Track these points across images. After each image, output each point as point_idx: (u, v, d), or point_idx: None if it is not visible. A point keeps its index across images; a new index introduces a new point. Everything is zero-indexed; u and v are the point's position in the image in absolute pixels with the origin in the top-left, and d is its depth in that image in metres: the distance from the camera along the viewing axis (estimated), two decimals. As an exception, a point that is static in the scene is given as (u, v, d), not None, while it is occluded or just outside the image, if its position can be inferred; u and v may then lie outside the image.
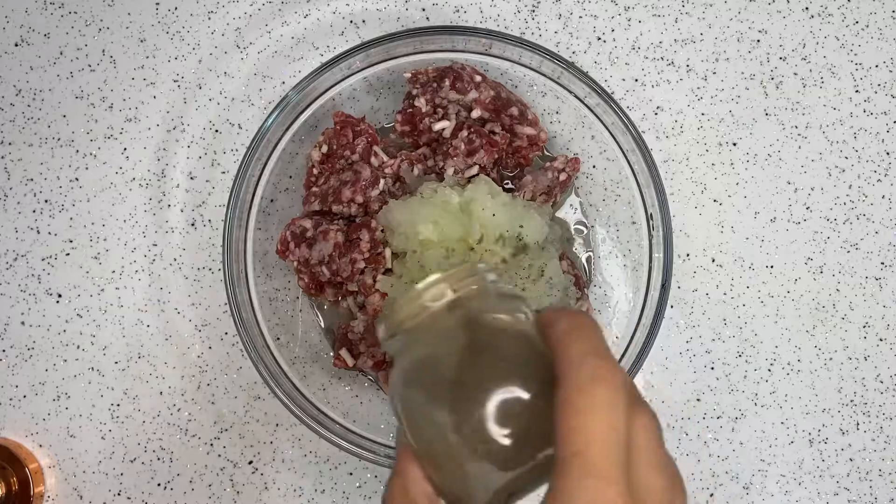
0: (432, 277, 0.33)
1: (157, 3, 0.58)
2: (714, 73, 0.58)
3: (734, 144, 0.58)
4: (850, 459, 0.57)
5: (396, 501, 0.31)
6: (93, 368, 0.56)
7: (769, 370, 0.57)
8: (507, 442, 0.29)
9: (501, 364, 0.31)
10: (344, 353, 0.53)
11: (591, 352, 0.29)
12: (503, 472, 0.30)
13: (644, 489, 0.28)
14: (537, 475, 0.30)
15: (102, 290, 0.56)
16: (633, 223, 0.53)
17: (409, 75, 0.54)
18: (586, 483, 0.27)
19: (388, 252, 0.52)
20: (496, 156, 0.53)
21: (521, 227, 0.51)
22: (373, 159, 0.53)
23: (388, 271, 0.52)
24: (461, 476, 0.30)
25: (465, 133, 0.52)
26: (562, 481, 0.27)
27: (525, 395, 0.30)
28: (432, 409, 0.31)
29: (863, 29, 0.59)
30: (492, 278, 0.34)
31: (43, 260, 0.56)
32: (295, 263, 0.54)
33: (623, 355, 0.51)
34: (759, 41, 0.58)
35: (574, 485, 0.27)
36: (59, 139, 0.57)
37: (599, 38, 0.58)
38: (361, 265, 0.51)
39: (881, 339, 0.58)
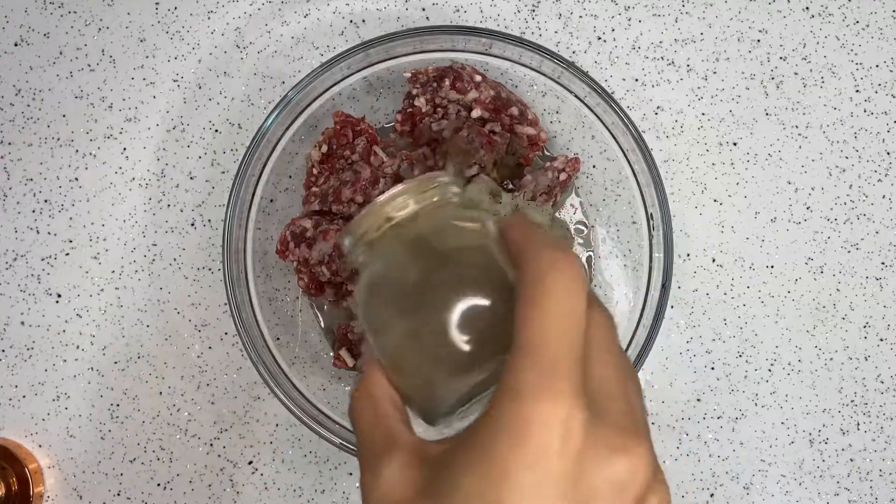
0: (394, 189, 0.34)
1: (157, 3, 0.57)
2: (714, 72, 0.58)
3: (734, 144, 0.58)
4: (851, 459, 0.57)
5: (361, 402, 0.31)
6: (92, 368, 0.56)
7: (769, 370, 0.57)
8: (467, 347, 0.30)
9: (462, 271, 0.31)
10: (344, 353, 0.53)
11: (548, 245, 0.29)
12: (465, 376, 0.31)
13: (596, 381, 0.28)
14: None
15: (102, 290, 0.56)
16: (633, 223, 0.53)
17: (409, 75, 0.54)
18: (536, 376, 0.26)
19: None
20: (496, 156, 0.53)
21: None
22: (373, 159, 0.53)
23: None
24: (424, 381, 0.31)
25: (465, 133, 0.52)
26: (510, 375, 0.26)
27: (485, 301, 0.30)
28: (395, 317, 0.32)
29: (863, 28, 0.59)
30: (454, 190, 0.35)
31: (43, 260, 0.56)
32: (295, 263, 0.54)
33: (623, 355, 0.51)
34: (759, 41, 0.58)
35: (523, 378, 0.26)
36: (58, 139, 0.57)
37: (599, 38, 0.58)
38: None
39: (881, 339, 0.58)
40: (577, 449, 0.26)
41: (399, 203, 0.34)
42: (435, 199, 0.34)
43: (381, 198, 0.33)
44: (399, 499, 0.28)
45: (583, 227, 0.57)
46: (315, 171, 0.54)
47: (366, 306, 0.33)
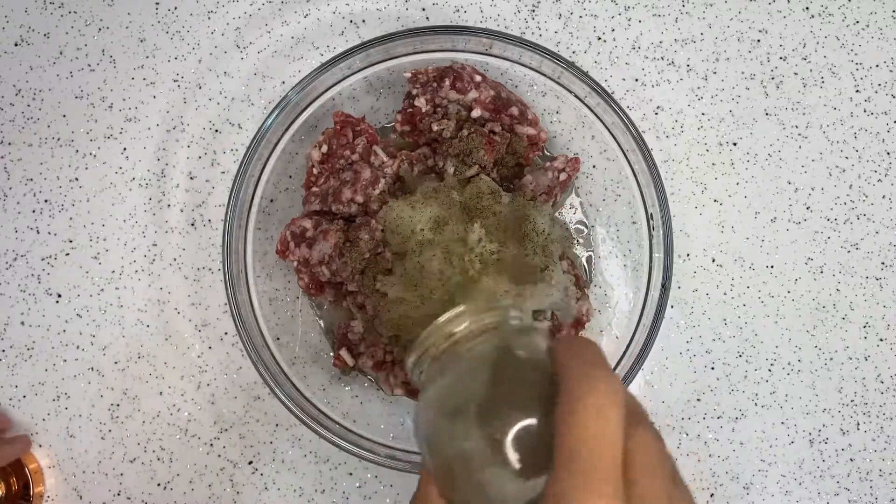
0: (456, 309, 0.35)
1: (157, 3, 0.57)
2: (714, 72, 0.58)
3: (734, 144, 0.58)
4: (851, 459, 0.57)
5: None
6: (93, 368, 0.56)
7: (769, 370, 0.57)
8: (519, 465, 0.31)
9: (517, 391, 0.32)
10: (344, 353, 0.53)
11: (588, 362, 0.30)
12: (516, 493, 0.31)
13: (640, 492, 0.29)
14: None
15: (102, 290, 0.56)
16: (633, 223, 0.53)
17: (409, 75, 0.54)
18: (576, 481, 0.27)
19: (388, 252, 0.52)
20: (496, 156, 0.53)
21: (523, 225, 0.51)
22: (373, 159, 0.53)
23: (388, 271, 0.52)
24: (476, 495, 0.32)
25: (464, 133, 0.52)
26: (553, 483, 0.28)
27: (536, 419, 0.31)
28: (453, 431, 0.32)
29: (863, 29, 0.59)
30: (513, 314, 0.36)
31: (43, 260, 0.56)
32: (295, 263, 0.54)
33: (623, 355, 0.51)
34: (759, 41, 0.58)
35: (564, 483, 0.27)
36: (58, 139, 0.57)
37: (599, 38, 0.58)
38: (361, 265, 0.51)
39: (881, 339, 0.58)
40: None
41: (460, 321, 0.35)
42: (496, 321, 0.35)
43: (443, 317, 0.35)
44: None
45: (583, 227, 0.57)
46: (315, 171, 0.54)
47: (426, 419, 0.34)
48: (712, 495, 0.57)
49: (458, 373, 0.34)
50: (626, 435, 0.29)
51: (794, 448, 0.57)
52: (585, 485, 0.27)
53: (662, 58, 0.58)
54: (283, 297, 0.55)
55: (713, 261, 0.58)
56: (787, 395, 0.57)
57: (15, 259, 0.57)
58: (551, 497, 0.28)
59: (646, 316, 0.51)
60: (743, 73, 0.58)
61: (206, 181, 0.57)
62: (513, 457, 0.31)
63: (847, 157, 0.58)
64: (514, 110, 0.54)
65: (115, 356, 0.56)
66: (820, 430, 0.57)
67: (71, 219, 0.57)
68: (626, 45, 0.58)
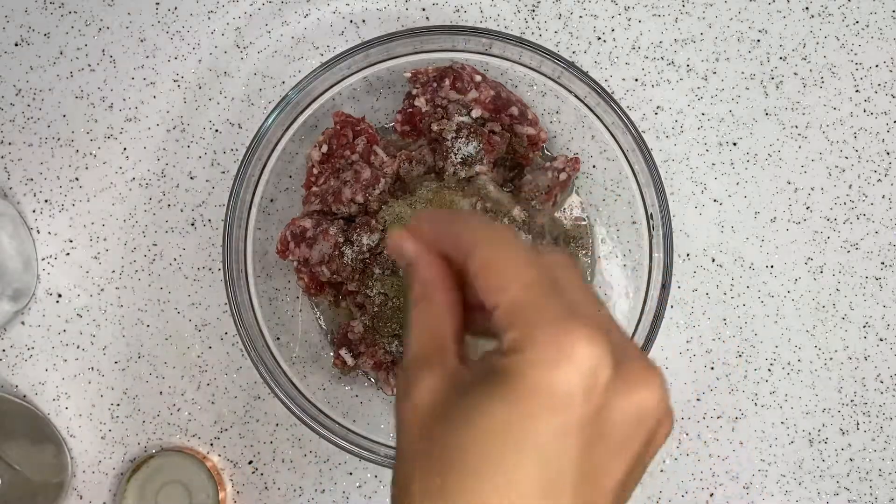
0: None
1: (157, 3, 0.57)
2: (714, 72, 0.58)
3: (734, 144, 0.58)
4: (851, 459, 0.57)
5: (421, 304, 0.31)
6: (93, 368, 0.56)
7: (769, 370, 0.57)
8: None
9: None
10: (344, 353, 0.53)
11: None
12: None
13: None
14: None
15: (102, 290, 0.56)
16: (633, 223, 0.53)
17: (409, 75, 0.54)
18: (557, 308, 0.27)
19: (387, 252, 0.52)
20: (496, 156, 0.53)
21: (522, 224, 0.51)
22: (373, 159, 0.53)
23: (389, 272, 0.52)
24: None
25: (464, 133, 0.52)
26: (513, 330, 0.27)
27: None
28: None
29: (863, 29, 0.59)
30: None
31: (43, 260, 0.56)
32: (295, 263, 0.54)
33: (623, 355, 0.51)
34: (759, 41, 0.58)
35: (541, 311, 0.27)
36: (59, 139, 0.57)
37: (599, 38, 0.58)
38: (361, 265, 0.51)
39: (881, 339, 0.58)
40: (604, 387, 0.26)
41: None
42: None
43: None
44: (422, 417, 0.28)
45: (582, 227, 0.57)
46: (315, 171, 0.54)
47: None
48: (712, 495, 0.57)
49: None
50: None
51: (793, 448, 0.57)
52: (566, 315, 0.26)
53: (662, 58, 0.58)
54: (283, 297, 0.55)
55: (713, 261, 0.58)
56: (786, 395, 0.57)
57: (15, 259, 0.57)
58: (525, 323, 0.27)
59: (646, 316, 0.51)
60: (743, 73, 0.58)
61: (206, 181, 0.57)
62: None
63: (847, 157, 0.58)
64: (514, 110, 0.54)
65: (115, 356, 0.56)
66: (820, 430, 0.57)
67: (71, 219, 0.57)
68: (626, 45, 0.58)
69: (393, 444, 0.51)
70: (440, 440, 0.27)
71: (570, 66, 0.51)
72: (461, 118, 0.52)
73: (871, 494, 0.57)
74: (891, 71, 0.58)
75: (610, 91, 0.55)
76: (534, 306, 0.27)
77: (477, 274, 0.28)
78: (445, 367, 0.29)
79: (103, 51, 0.57)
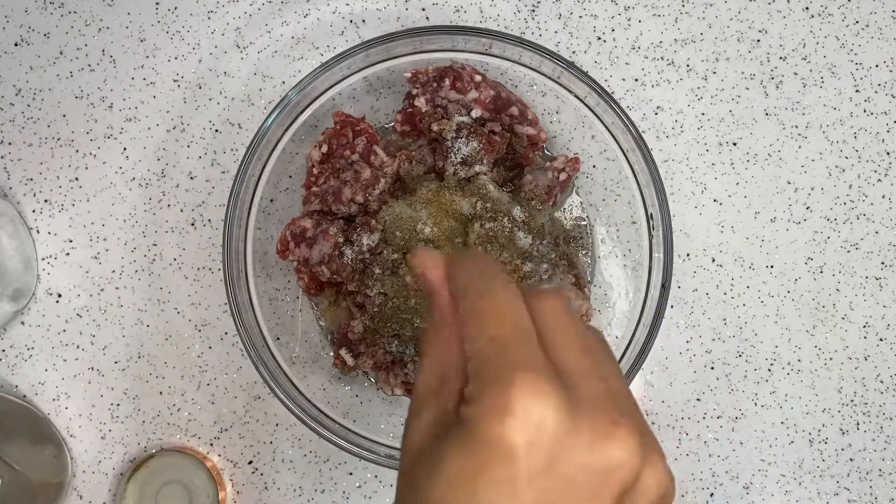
0: None
1: (157, 3, 0.57)
2: (714, 72, 0.58)
3: (734, 144, 0.58)
4: (851, 459, 0.57)
5: (437, 332, 0.31)
6: (93, 368, 0.56)
7: (769, 370, 0.57)
8: None
9: None
10: (344, 353, 0.53)
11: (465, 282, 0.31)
12: None
13: (562, 363, 0.28)
14: None
15: (102, 290, 0.56)
16: (633, 223, 0.53)
17: (409, 75, 0.54)
18: (495, 367, 0.27)
19: (389, 252, 0.52)
20: (496, 156, 0.53)
21: (523, 224, 0.51)
22: (373, 159, 0.53)
23: (389, 272, 0.52)
24: None
25: (464, 133, 0.52)
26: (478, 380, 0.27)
27: None
28: None
29: (863, 29, 0.59)
30: None
31: (43, 260, 0.56)
32: (295, 263, 0.54)
33: (623, 355, 0.51)
34: (759, 41, 0.58)
35: (496, 374, 0.27)
36: (58, 139, 0.57)
37: (599, 38, 0.58)
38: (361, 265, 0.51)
39: (881, 339, 0.58)
40: (551, 440, 0.26)
41: None
42: None
43: None
44: (411, 456, 0.28)
45: (582, 227, 0.57)
46: (315, 171, 0.54)
47: None
48: (712, 495, 0.57)
49: None
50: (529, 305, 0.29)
51: (793, 448, 0.57)
52: (506, 362, 0.27)
53: (662, 58, 0.58)
54: (283, 297, 0.55)
55: (713, 261, 0.58)
56: (786, 395, 0.57)
57: (15, 259, 0.57)
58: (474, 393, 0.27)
59: (645, 316, 0.51)
60: (743, 73, 0.58)
61: (206, 181, 0.57)
62: None
63: (847, 157, 0.58)
64: (514, 110, 0.54)
65: (115, 356, 0.56)
66: (820, 430, 0.57)
67: (71, 219, 0.57)
68: (626, 45, 0.58)
69: (393, 444, 0.51)
70: (416, 484, 0.27)
71: (570, 66, 0.51)
72: (461, 118, 0.52)
73: (871, 494, 0.57)
74: (891, 71, 0.58)
75: (610, 91, 0.55)
76: (492, 359, 0.27)
77: (462, 321, 0.29)
78: (441, 406, 0.29)
79: (103, 51, 0.57)
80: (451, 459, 0.26)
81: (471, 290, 0.30)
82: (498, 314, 0.28)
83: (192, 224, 0.57)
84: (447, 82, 0.52)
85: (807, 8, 0.59)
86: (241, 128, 0.57)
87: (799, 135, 0.58)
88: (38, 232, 0.57)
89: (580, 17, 0.58)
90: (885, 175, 0.58)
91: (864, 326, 0.58)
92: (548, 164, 0.54)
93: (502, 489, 0.25)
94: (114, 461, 0.56)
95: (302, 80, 0.51)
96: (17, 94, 0.57)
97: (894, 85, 0.58)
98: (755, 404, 0.57)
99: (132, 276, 0.57)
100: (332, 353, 0.55)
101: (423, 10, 0.58)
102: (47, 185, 0.57)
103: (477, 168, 0.52)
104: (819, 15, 0.59)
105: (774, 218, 0.58)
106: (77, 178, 0.57)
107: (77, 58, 0.57)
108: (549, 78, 0.52)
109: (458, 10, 0.58)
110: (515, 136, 0.54)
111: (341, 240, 0.52)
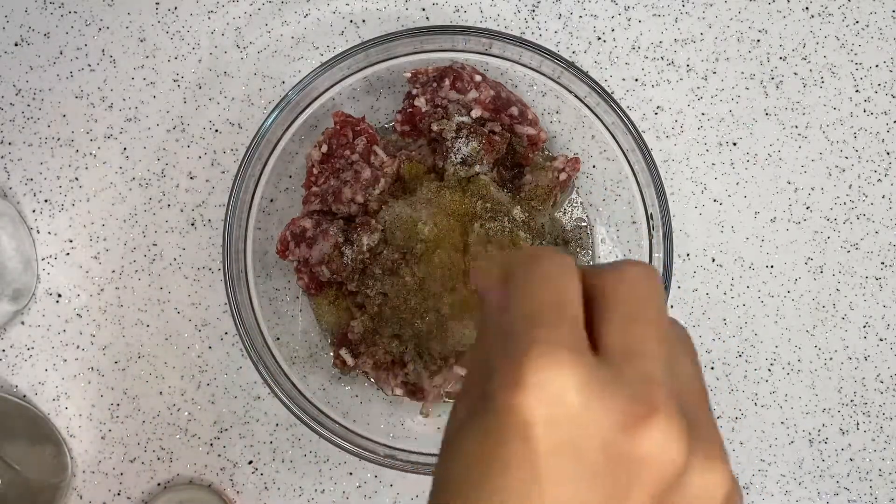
0: None
1: (157, 3, 0.57)
2: (714, 72, 0.58)
3: (734, 144, 0.58)
4: (851, 459, 0.57)
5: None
6: (92, 368, 0.56)
7: (769, 370, 0.57)
8: None
9: None
10: (344, 353, 0.53)
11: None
12: None
13: (618, 348, 0.26)
14: None
15: (102, 290, 0.56)
16: (633, 223, 0.53)
17: (409, 75, 0.54)
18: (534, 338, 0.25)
19: (389, 252, 0.52)
20: (496, 156, 0.53)
21: (523, 224, 0.51)
22: (373, 159, 0.53)
23: (389, 272, 0.52)
24: None
25: (464, 133, 0.52)
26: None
27: None
28: None
29: (863, 29, 0.59)
30: None
31: (43, 260, 0.56)
32: (295, 263, 0.54)
33: (623, 355, 0.51)
34: (759, 41, 0.58)
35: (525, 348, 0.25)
36: (58, 139, 0.57)
37: (599, 38, 0.58)
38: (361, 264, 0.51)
39: (881, 339, 0.58)
40: (573, 417, 0.24)
41: None
42: None
43: None
44: (443, 441, 0.27)
45: (582, 227, 0.57)
46: (315, 171, 0.54)
47: None
48: (712, 495, 0.57)
49: None
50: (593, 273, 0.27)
51: (793, 448, 0.57)
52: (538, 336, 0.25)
53: (662, 58, 0.58)
54: (283, 297, 0.55)
55: (713, 261, 0.58)
56: (786, 395, 0.57)
57: (15, 259, 0.57)
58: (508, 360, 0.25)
59: (646, 316, 0.51)
60: (743, 73, 0.58)
61: (206, 181, 0.57)
62: None
63: (847, 157, 0.58)
64: (514, 110, 0.54)
65: (115, 356, 0.56)
66: (820, 430, 0.57)
67: (71, 219, 0.57)
68: (626, 45, 0.58)
69: (393, 444, 0.51)
70: (439, 470, 0.26)
71: (570, 66, 0.51)
72: (461, 118, 0.52)
73: (871, 494, 0.57)
74: (891, 71, 0.58)
75: (610, 91, 0.55)
76: (517, 334, 0.25)
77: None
78: (477, 394, 0.27)
79: (103, 51, 0.57)
80: (469, 440, 0.25)
81: (517, 277, 0.28)
82: (531, 291, 0.26)
83: (192, 224, 0.57)
84: (447, 82, 0.52)
85: (807, 8, 0.59)
86: (241, 128, 0.57)
87: (799, 135, 0.58)
88: (38, 232, 0.57)
89: (580, 17, 0.58)
90: (885, 175, 0.58)
91: (864, 326, 0.58)
92: (548, 164, 0.54)
93: (518, 469, 0.24)
94: (114, 461, 0.56)
95: (302, 80, 0.51)
96: (17, 94, 0.57)
97: (894, 85, 0.58)
98: (755, 404, 0.57)
99: (132, 276, 0.57)
100: (332, 353, 0.55)
101: (423, 10, 0.58)
102: (47, 185, 0.57)
103: (477, 168, 0.52)
104: (819, 15, 0.59)
105: (774, 218, 0.58)
106: (77, 178, 0.57)
107: (77, 58, 0.57)
108: (549, 78, 0.52)
109: (457, 10, 0.58)
110: (515, 136, 0.54)
111: (341, 240, 0.52)
